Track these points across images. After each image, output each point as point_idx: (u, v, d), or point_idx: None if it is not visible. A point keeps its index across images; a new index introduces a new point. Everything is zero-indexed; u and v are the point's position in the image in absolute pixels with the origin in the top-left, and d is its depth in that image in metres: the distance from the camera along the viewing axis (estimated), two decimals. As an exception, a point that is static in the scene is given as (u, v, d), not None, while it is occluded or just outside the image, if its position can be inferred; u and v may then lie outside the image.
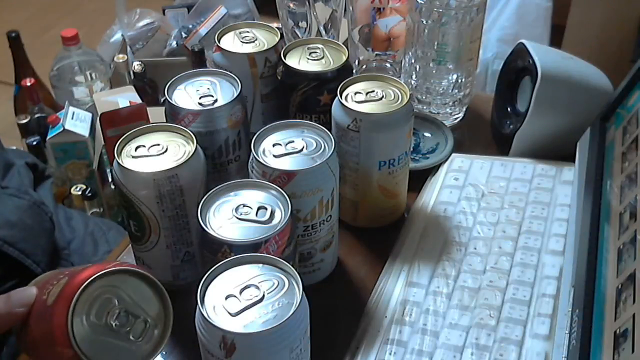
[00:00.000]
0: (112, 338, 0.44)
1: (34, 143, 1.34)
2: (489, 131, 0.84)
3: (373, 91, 0.64)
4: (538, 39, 1.70)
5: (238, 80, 0.64)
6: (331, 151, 0.57)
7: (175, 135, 0.59)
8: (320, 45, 0.71)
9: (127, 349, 0.44)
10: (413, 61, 0.81)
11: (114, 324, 0.44)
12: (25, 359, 0.58)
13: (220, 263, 0.47)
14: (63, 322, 0.42)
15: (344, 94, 0.64)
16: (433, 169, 0.77)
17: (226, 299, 0.45)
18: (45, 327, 0.44)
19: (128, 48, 1.64)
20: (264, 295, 0.45)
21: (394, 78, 0.66)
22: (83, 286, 0.43)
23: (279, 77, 0.70)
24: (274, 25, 0.75)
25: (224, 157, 0.65)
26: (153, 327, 0.45)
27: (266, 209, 0.53)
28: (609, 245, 0.57)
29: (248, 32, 0.73)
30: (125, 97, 1.20)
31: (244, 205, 0.53)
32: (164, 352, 0.59)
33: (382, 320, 0.60)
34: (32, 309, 0.46)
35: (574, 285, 0.57)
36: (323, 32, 0.84)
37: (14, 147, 1.20)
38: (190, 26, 1.61)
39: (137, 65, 1.49)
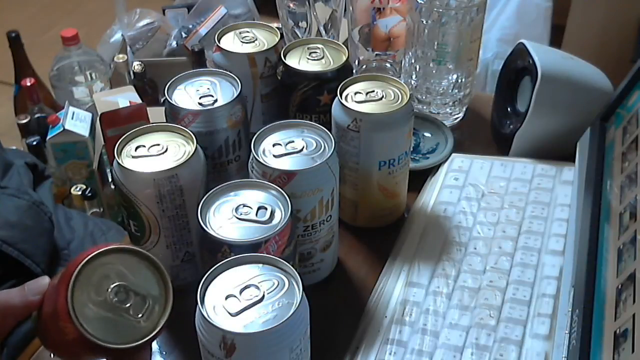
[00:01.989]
0: (113, 314, 0.45)
1: (34, 143, 1.34)
2: (489, 131, 0.83)
3: (373, 91, 0.64)
4: (538, 39, 1.70)
5: (238, 80, 0.64)
6: (331, 151, 0.57)
7: (175, 135, 0.59)
8: (320, 45, 0.71)
9: (128, 326, 0.45)
10: (413, 61, 0.81)
11: (114, 300, 0.45)
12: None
13: (220, 263, 0.47)
14: (64, 297, 0.44)
15: (344, 94, 0.64)
16: (433, 169, 0.77)
17: (226, 299, 0.45)
18: (51, 305, 0.45)
19: (128, 48, 1.64)
20: (264, 295, 0.45)
21: (394, 78, 0.66)
22: (83, 262, 0.44)
23: (279, 77, 0.70)
24: (274, 25, 0.75)
25: (224, 157, 0.65)
26: (153, 305, 0.46)
27: (266, 209, 0.53)
28: (609, 245, 0.57)
29: (248, 32, 0.73)
30: (125, 97, 1.20)
31: (244, 205, 0.53)
32: (164, 352, 0.59)
33: (382, 320, 0.60)
34: (45, 294, 0.47)
35: (574, 285, 0.57)
36: (323, 32, 0.84)
37: (14, 147, 1.20)
38: (190, 26, 1.61)
39: (137, 65, 1.49)
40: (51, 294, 0.46)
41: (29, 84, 1.43)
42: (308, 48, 0.70)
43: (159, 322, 0.46)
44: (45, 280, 0.48)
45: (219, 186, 0.55)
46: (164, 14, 1.68)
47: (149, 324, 0.46)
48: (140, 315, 0.46)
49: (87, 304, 0.44)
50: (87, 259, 0.44)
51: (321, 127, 0.60)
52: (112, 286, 0.45)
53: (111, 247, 0.46)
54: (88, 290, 0.44)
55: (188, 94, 0.63)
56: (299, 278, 0.46)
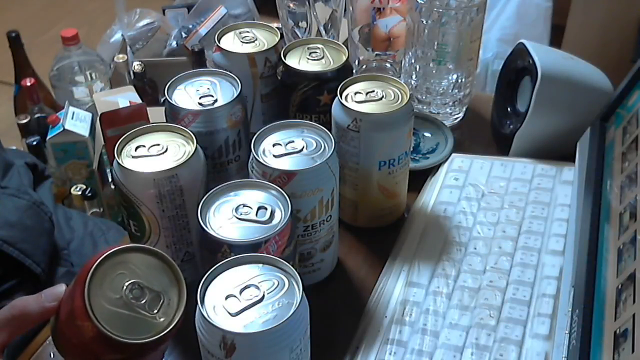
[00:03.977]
0: (129, 311, 0.45)
1: (34, 143, 1.34)
2: (489, 131, 0.84)
3: (373, 91, 0.64)
4: (538, 39, 1.70)
5: (238, 80, 0.64)
6: (331, 151, 0.57)
7: (175, 135, 0.59)
8: (320, 45, 0.71)
9: (144, 322, 0.46)
10: (413, 61, 0.81)
11: (129, 297, 0.45)
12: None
13: (220, 263, 0.47)
14: (80, 295, 0.44)
15: (344, 94, 0.64)
16: (433, 169, 0.77)
17: (226, 299, 0.45)
18: (68, 306, 0.46)
19: (128, 48, 1.64)
20: (264, 295, 0.45)
21: (394, 78, 0.66)
22: (98, 261, 0.45)
23: (279, 77, 0.70)
24: (274, 25, 0.75)
25: (224, 157, 0.65)
26: (167, 300, 0.47)
27: (266, 209, 0.53)
28: (609, 245, 0.57)
29: (248, 32, 0.73)
30: (125, 97, 1.20)
31: (244, 205, 0.53)
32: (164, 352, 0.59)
33: (382, 320, 0.60)
34: (61, 300, 0.48)
35: (574, 285, 0.57)
36: (323, 32, 0.84)
37: (14, 147, 1.20)
38: (190, 26, 1.61)
39: (137, 65, 1.49)
40: (66, 298, 0.47)
41: (29, 84, 1.43)
42: (308, 48, 0.70)
43: (175, 316, 0.46)
44: (61, 287, 0.49)
45: (219, 186, 0.55)
46: (164, 14, 1.68)
47: (165, 319, 0.46)
48: (156, 311, 0.46)
49: (103, 302, 0.45)
50: (101, 258, 0.45)
51: (321, 127, 0.60)
52: (127, 283, 0.46)
53: (123, 246, 0.47)
54: (103, 289, 0.45)
55: (188, 94, 0.63)
56: (299, 278, 0.46)
